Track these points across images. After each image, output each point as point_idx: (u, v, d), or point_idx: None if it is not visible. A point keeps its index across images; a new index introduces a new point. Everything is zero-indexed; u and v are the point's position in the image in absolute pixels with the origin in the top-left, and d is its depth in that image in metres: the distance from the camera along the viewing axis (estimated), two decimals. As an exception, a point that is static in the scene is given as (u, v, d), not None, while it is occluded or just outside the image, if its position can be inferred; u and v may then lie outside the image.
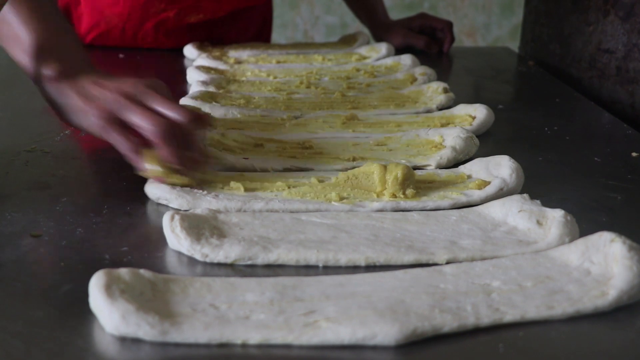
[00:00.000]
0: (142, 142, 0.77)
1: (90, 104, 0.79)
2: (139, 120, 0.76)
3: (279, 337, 0.54)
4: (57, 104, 0.83)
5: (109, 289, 0.55)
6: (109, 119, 0.78)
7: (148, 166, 0.76)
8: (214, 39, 1.53)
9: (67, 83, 0.81)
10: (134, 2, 1.46)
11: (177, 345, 0.53)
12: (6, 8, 0.83)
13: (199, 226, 0.68)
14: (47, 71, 0.82)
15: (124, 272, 0.57)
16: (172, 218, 0.67)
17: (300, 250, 0.65)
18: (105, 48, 1.52)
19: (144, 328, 0.53)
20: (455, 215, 0.73)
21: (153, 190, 0.76)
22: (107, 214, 0.74)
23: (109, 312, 0.54)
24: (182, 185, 0.77)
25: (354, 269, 0.65)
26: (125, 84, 0.80)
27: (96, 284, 0.56)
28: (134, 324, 0.53)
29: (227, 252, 0.65)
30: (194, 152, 0.78)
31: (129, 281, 0.57)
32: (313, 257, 0.65)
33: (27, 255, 0.66)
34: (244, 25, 1.60)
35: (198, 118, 0.79)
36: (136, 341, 0.53)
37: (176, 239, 0.66)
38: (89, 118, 0.79)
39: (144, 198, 0.77)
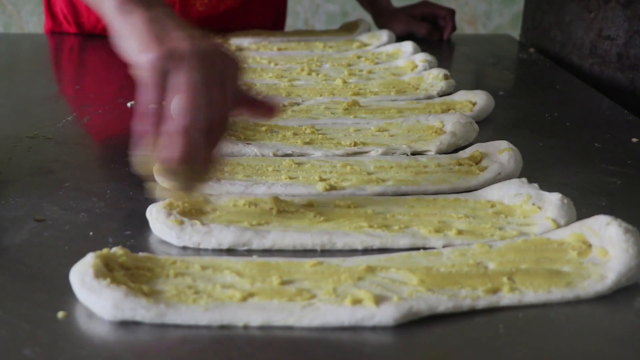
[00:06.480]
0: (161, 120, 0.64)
1: (158, 42, 0.65)
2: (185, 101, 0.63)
3: (279, 319, 0.54)
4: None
5: (84, 281, 0.56)
6: (162, 74, 0.64)
7: (142, 155, 0.66)
8: (224, 31, 1.51)
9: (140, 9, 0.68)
10: None
11: (177, 326, 0.54)
12: None
13: (185, 214, 0.67)
14: None
15: (91, 257, 0.58)
16: (155, 211, 0.67)
17: (294, 235, 0.65)
18: (105, 36, 1.51)
19: (140, 312, 0.54)
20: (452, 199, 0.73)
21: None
22: (110, 198, 0.75)
23: (95, 304, 0.55)
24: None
25: (350, 252, 0.65)
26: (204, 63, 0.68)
27: (74, 280, 0.56)
28: (129, 309, 0.54)
29: (218, 238, 0.65)
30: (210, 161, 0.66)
31: (101, 265, 0.57)
32: (309, 241, 0.65)
33: (31, 239, 0.66)
34: (255, 18, 1.58)
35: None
36: (139, 323, 0.54)
37: (161, 231, 0.66)
38: (145, 55, 0.64)
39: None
